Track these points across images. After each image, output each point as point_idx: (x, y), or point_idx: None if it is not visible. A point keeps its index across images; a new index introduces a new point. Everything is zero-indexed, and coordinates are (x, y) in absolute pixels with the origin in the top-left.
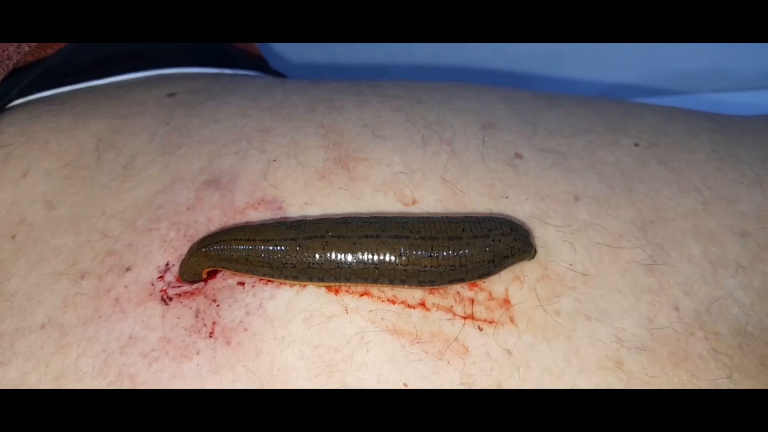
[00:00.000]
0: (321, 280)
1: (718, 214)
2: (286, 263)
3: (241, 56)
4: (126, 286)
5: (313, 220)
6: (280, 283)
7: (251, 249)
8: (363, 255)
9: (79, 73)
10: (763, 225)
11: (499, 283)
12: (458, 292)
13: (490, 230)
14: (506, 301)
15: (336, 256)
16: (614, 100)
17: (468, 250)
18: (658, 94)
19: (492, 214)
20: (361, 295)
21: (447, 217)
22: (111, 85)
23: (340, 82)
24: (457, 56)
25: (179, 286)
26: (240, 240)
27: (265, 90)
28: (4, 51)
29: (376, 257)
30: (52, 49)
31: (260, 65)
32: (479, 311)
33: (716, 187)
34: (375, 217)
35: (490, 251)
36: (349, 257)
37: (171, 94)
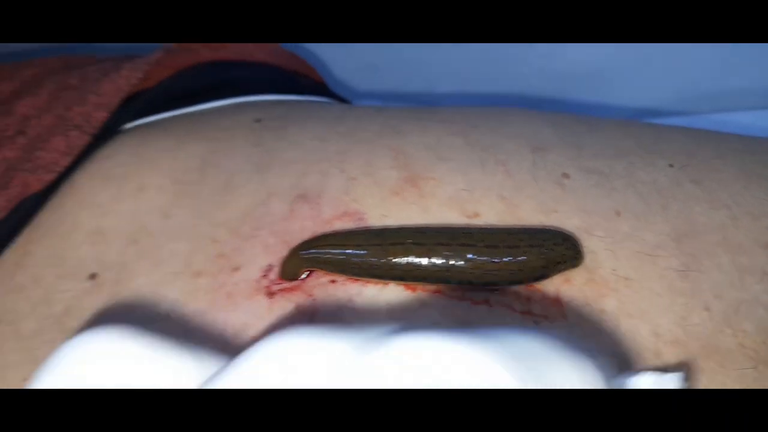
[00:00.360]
0: (402, 279)
1: (745, 228)
2: (373, 265)
3: (309, 83)
4: (236, 283)
5: (395, 228)
6: (366, 282)
7: (344, 252)
8: (437, 259)
9: (176, 100)
10: None
11: (551, 285)
12: (516, 292)
13: (544, 240)
14: (558, 300)
15: (415, 260)
16: (648, 124)
17: (525, 257)
18: (688, 114)
19: (545, 226)
20: (433, 293)
21: (507, 228)
22: (204, 112)
23: (401, 109)
24: (495, 83)
25: (280, 284)
26: (334, 245)
27: (338, 117)
28: (116, 84)
29: (447, 261)
30: (155, 80)
31: (323, 89)
32: (535, 308)
33: (744, 204)
34: (446, 227)
35: (544, 258)
36: (426, 261)
37: (258, 120)
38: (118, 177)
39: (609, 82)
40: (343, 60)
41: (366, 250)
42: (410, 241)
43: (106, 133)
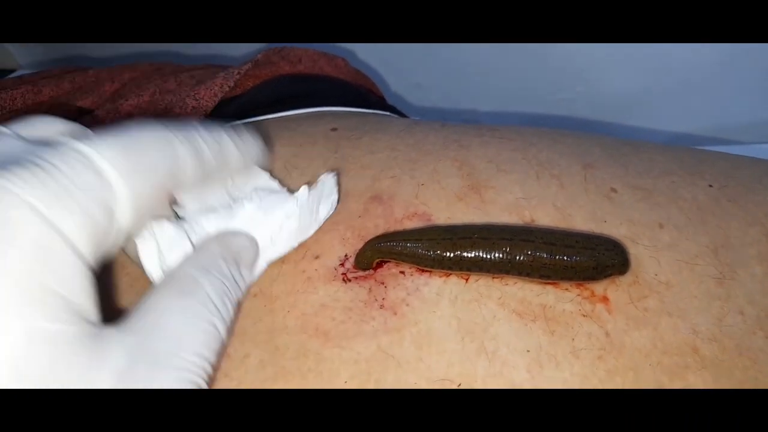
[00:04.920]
0: (469, 270)
1: None
2: (445, 257)
3: (373, 97)
4: (316, 270)
5: (462, 225)
6: (432, 274)
7: (417, 245)
8: (500, 252)
9: (262, 106)
10: None
11: (599, 285)
12: (567, 288)
13: (597, 245)
14: (605, 298)
15: (481, 253)
16: (689, 148)
17: (578, 257)
18: (725, 144)
19: (599, 233)
20: (492, 280)
21: (564, 230)
22: (285, 118)
23: (464, 125)
24: (533, 105)
25: (355, 272)
26: (409, 239)
27: (405, 130)
28: (212, 91)
29: (509, 255)
30: (241, 89)
31: (384, 104)
32: (584, 303)
33: None
34: (508, 225)
35: (595, 260)
36: (490, 253)
37: (334, 129)
38: None
39: (649, 110)
40: (395, 77)
41: (438, 243)
42: (476, 236)
43: None
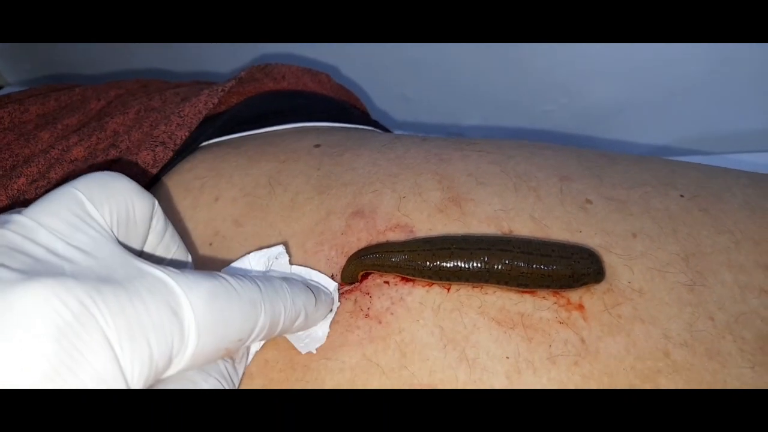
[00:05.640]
0: (448, 280)
1: (746, 250)
2: (425, 267)
3: (356, 112)
4: None
5: (442, 236)
6: (415, 284)
7: (399, 255)
8: (478, 262)
9: (246, 122)
10: None
11: (575, 293)
12: (545, 297)
13: (572, 254)
14: (581, 306)
15: (459, 263)
16: (663, 159)
17: (554, 266)
18: (702, 154)
19: (575, 243)
20: (473, 289)
21: (540, 239)
22: (269, 134)
23: (445, 139)
24: (517, 119)
25: (341, 287)
26: (391, 251)
27: (387, 145)
28: (196, 108)
29: (487, 264)
30: (226, 105)
31: (368, 119)
32: (560, 311)
33: (746, 231)
34: (486, 235)
35: (571, 269)
36: (468, 263)
37: (317, 145)
38: (196, 188)
39: (631, 121)
40: (379, 92)
41: (418, 254)
42: (455, 246)
43: (186, 149)
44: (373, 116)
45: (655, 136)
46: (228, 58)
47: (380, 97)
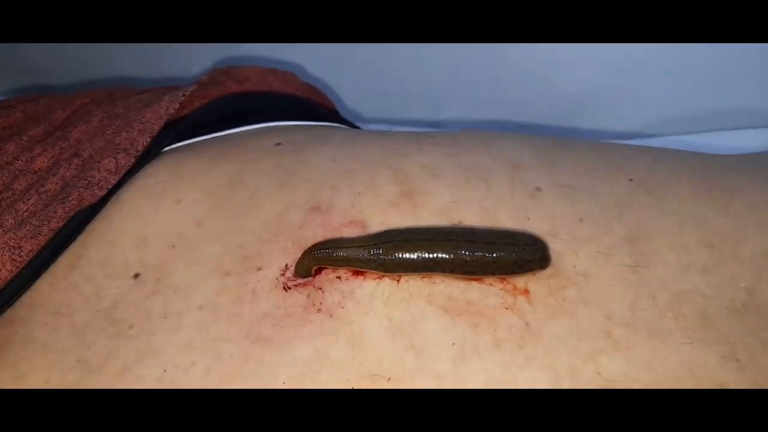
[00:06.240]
0: (394, 271)
1: (690, 231)
2: (370, 259)
3: (323, 110)
4: (258, 281)
5: (386, 230)
6: (366, 277)
7: (348, 251)
8: (421, 252)
9: (208, 126)
10: (725, 240)
11: (521, 279)
12: (492, 283)
13: (517, 240)
14: (526, 291)
15: (402, 254)
16: (617, 145)
17: (499, 253)
18: (661, 136)
19: (522, 230)
20: (422, 280)
21: (485, 228)
22: (232, 136)
23: (403, 133)
24: (493, 110)
25: (295, 280)
26: (340, 247)
27: (347, 141)
28: (157, 114)
29: (430, 254)
30: (189, 109)
31: (335, 116)
32: (506, 297)
33: (691, 212)
34: (431, 227)
35: (516, 255)
36: (411, 254)
37: (278, 144)
38: (159, 192)
39: (598, 109)
40: (356, 88)
41: (364, 248)
42: (398, 238)
43: (149, 154)
44: (344, 114)
45: (630, 120)
46: (203, 61)
47: (351, 93)
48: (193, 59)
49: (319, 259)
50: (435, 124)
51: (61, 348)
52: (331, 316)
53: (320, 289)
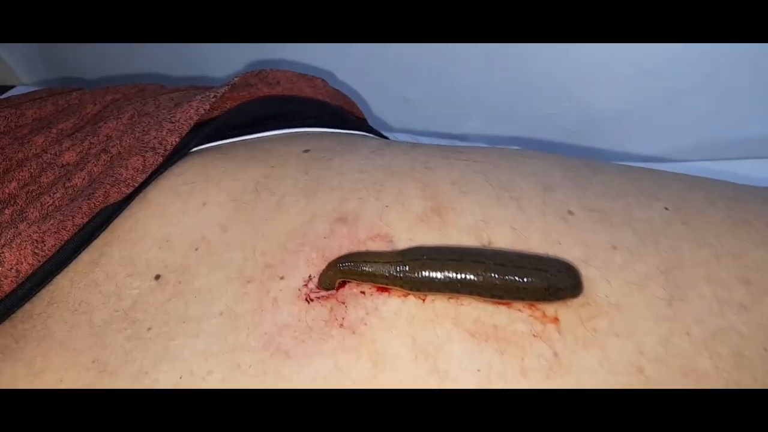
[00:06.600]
0: (419, 290)
1: (727, 265)
2: (396, 276)
3: (351, 118)
4: (280, 290)
5: (414, 247)
6: (391, 294)
7: (374, 266)
8: (449, 272)
9: (238, 128)
10: (763, 277)
11: (551, 306)
12: (520, 309)
13: (549, 267)
14: (555, 319)
15: (429, 273)
16: (648, 170)
17: (530, 278)
18: (687, 161)
19: (553, 255)
20: (448, 300)
21: (516, 251)
22: (260, 139)
23: (431, 146)
24: (515, 127)
25: (318, 292)
26: (366, 261)
27: (375, 152)
28: (187, 114)
29: (458, 275)
30: (219, 111)
31: (363, 124)
32: (535, 324)
33: (727, 245)
34: (459, 246)
35: (546, 282)
36: (438, 274)
37: (306, 150)
38: (185, 193)
39: (619, 131)
40: (381, 96)
41: (390, 264)
42: (426, 257)
43: (177, 154)
44: (371, 122)
45: (652, 142)
46: (232, 62)
47: (378, 102)
48: (221, 59)
49: (343, 272)
50: (458, 137)
51: (78, 347)
52: (354, 332)
53: (343, 303)
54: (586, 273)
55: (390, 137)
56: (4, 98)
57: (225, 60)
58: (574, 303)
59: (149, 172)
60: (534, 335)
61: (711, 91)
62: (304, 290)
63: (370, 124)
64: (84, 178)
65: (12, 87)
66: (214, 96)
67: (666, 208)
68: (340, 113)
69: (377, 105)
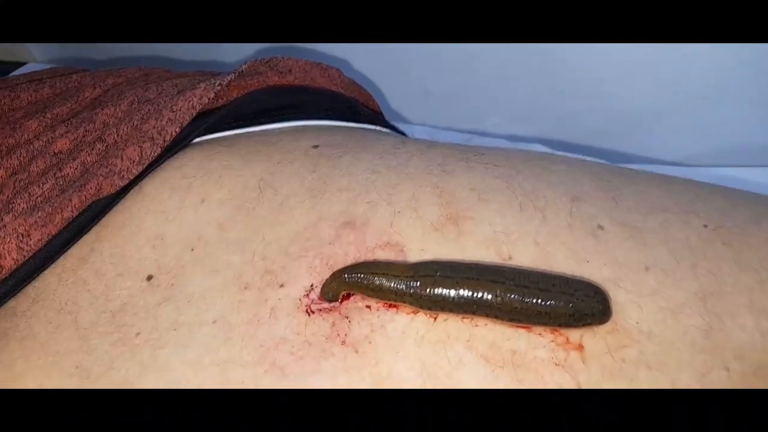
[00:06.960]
0: (430, 309)
1: None
2: (405, 293)
3: (366, 111)
4: (279, 299)
5: (427, 261)
6: (399, 310)
7: (382, 280)
8: (464, 291)
9: (244, 118)
10: None
11: (576, 331)
12: (541, 333)
13: (575, 290)
14: (580, 346)
15: (442, 291)
16: (686, 181)
17: (554, 302)
18: (721, 167)
19: (580, 277)
20: (462, 320)
21: (539, 271)
22: (267, 132)
23: (450, 146)
24: (538, 125)
25: (320, 303)
26: (374, 273)
27: (390, 151)
28: (190, 102)
29: (474, 295)
30: (225, 100)
31: (379, 118)
32: (557, 350)
33: None
34: (478, 263)
35: (572, 307)
36: (452, 293)
37: (315, 146)
38: (183, 188)
39: (644, 131)
40: (399, 88)
41: (400, 278)
42: (439, 273)
43: (177, 145)
44: (388, 114)
45: (678, 145)
46: (243, 48)
47: (396, 94)
48: (232, 44)
49: (349, 284)
50: (478, 134)
51: (61, 350)
52: (357, 351)
53: (347, 317)
54: (616, 296)
55: (407, 131)
56: (1, 79)
57: (236, 45)
58: (602, 329)
59: (146, 164)
60: (556, 364)
61: (741, 94)
62: (305, 301)
63: (387, 116)
64: (77, 168)
65: (24, 63)
66: (220, 84)
67: (705, 226)
68: (354, 106)
69: (395, 97)
